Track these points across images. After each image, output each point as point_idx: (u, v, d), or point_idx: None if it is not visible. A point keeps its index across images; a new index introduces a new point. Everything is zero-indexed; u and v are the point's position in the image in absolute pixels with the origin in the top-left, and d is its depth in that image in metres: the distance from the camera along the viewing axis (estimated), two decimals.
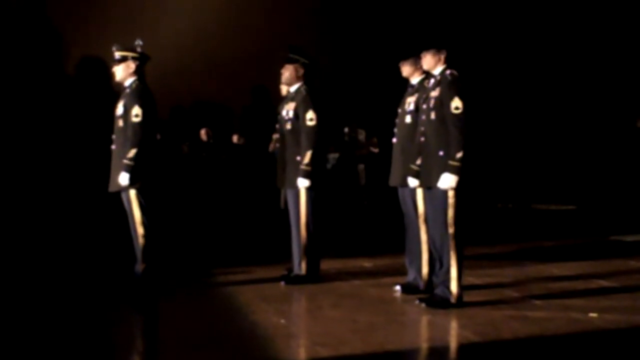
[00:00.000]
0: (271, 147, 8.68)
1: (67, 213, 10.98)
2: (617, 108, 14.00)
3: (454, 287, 6.08)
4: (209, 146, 12.47)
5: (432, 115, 6.08)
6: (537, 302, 6.36)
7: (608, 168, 13.65)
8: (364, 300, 6.56)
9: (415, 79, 6.81)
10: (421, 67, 6.51)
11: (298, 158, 7.15)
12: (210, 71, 12.65)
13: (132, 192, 6.77)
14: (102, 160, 7.25)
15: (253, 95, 12.60)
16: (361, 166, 12.99)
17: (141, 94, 6.86)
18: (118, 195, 6.93)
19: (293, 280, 7.23)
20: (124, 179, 6.68)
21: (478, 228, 9.80)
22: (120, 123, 6.84)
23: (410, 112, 6.70)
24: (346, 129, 13.06)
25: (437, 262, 6.21)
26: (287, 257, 7.46)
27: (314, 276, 7.24)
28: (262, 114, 11.86)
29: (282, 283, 7.22)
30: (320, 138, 7.20)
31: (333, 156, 12.58)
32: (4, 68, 11.89)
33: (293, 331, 5.84)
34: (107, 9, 12.51)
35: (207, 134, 12.54)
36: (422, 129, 6.20)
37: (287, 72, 7.37)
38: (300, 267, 7.23)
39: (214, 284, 7.39)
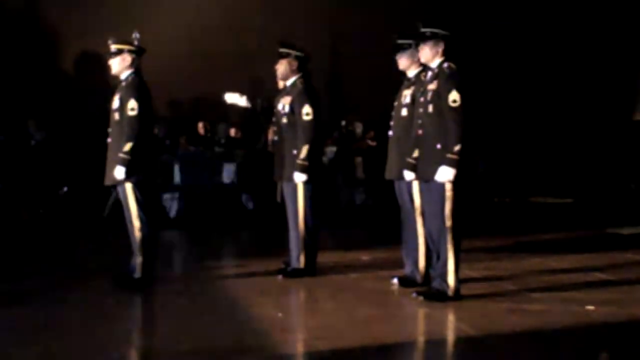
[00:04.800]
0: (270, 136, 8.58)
1: (63, 206, 10.98)
2: (614, 101, 14.00)
3: (451, 280, 6.07)
4: (206, 140, 12.45)
5: (430, 108, 6.07)
6: (535, 295, 6.36)
7: (605, 161, 13.66)
8: (361, 294, 6.56)
9: (411, 72, 6.79)
10: (418, 60, 6.49)
11: (294, 152, 7.13)
12: (208, 64, 12.64)
13: (128, 186, 6.75)
14: (98, 154, 7.24)
15: (251, 89, 12.60)
16: (358, 159, 12.98)
17: (137, 87, 6.84)
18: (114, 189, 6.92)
19: (290, 273, 7.22)
20: (119, 172, 6.66)
21: (475, 221, 9.80)
22: (116, 116, 6.81)
23: (406, 105, 6.68)
24: (343, 122, 13.06)
25: (434, 255, 6.20)
26: (284, 251, 7.45)
27: (311, 269, 7.23)
28: (260, 107, 11.86)
29: (280, 276, 7.21)
30: (316, 132, 7.18)
31: (330, 149, 12.57)
32: (1, 62, 11.88)
33: (290, 324, 5.83)
34: (105, 3, 12.49)
35: (205, 127, 12.53)
36: (420, 122, 6.19)
37: (281, 67, 7.35)
38: (298, 260, 7.23)
39: (211, 278, 7.38)
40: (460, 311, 5.84)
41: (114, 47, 6.91)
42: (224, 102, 7.80)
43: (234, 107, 7.91)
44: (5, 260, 8.24)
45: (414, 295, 6.25)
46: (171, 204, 11.23)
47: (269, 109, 7.63)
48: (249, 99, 7.66)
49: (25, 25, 12.25)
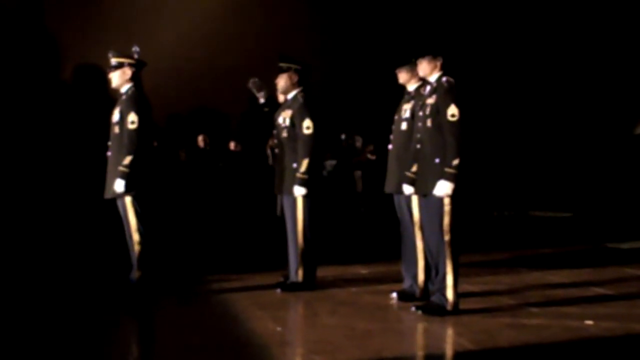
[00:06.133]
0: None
1: (63, 219, 10.96)
2: (614, 116, 14.02)
3: (450, 294, 6.07)
4: (205, 153, 12.47)
5: (428, 123, 6.08)
6: (534, 309, 6.36)
7: (605, 175, 13.66)
8: (360, 308, 6.55)
9: (411, 86, 6.81)
10: (418, 74, 6.51)
11: (294, 165, 7.14)
12: (208, 78, 12.66)
13: (128, 199, 6.77)
14: (98, 167, 7.25)
15: (250, 102, 12.61)
16: (358, 173, 13.00)
17: (137, 100, 6.87)
18: (114, 202, 6.93)
19: (289, 287, 7.22)
20: (119, 185, 6.67)
21: (475, 235, 9.80)
22: (116, 130, 6.84)
23: (406, 119, 6.70)
24: (343, 136, 13.08)
25: (433, 269, 6.20)
26: (283, 264, 7.45)
27: (311, 283, 7.23)
28: (259, 121, 11.88)
29: (278, 290, 7.21)
30: (317, 146, 7.19)
31: (330, 163, 12.58)
32: (1, 74, 11.89)
33: (289, 339, 5.83)
34: (105, 16, 12.52)
35: (204, 140, 12.55)
36: (418, 136, 6.20)
37: (281, 81, 7.38)
38: (297, 274, 7.22)
39: (210, 291, 7.37)
40: (459, 325, 5.83)
41: (114, 61, 6.94)
42: (246, 83, 7.82)
43: (249, 93, 7.92)
44: None
45: (413, 309, 6.24)
46: None
47: (270, 113, 7.66)
48: (265, 96, 7.70)
49: (27, 37, 12.27)
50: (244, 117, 12.77)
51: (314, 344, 5.45)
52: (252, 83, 7.80)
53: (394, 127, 6.89)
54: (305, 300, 6.91)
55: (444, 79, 6.13)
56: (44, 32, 12.52)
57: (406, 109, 6.75)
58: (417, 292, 6.70)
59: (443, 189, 5.92)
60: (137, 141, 6.74)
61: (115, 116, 6.89)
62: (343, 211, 12.60)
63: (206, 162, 12.26)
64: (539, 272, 8.06)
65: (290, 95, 7.39)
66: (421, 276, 6.68)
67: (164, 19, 12.85)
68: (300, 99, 7.28)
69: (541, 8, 14.15)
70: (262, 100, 7.77)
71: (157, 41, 11.47)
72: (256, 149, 12.22)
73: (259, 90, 7.73)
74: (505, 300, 6.69)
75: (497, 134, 13.44)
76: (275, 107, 7.59)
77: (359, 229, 12.14)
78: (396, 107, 6.94)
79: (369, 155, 12.97)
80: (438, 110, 6.02)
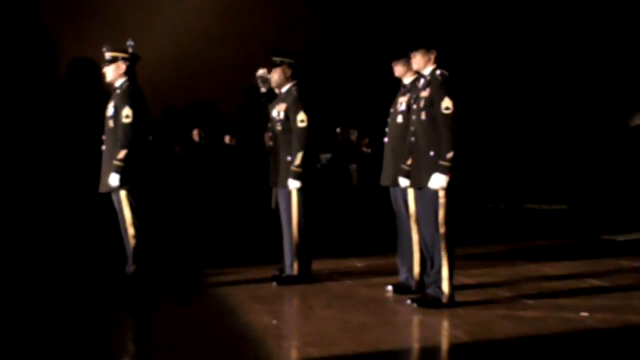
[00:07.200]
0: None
1: (57, 214, 10.95)
2: (610, 108, 14.02)
3: (445, 287, 6.08)
4: (201, 147, 12.44)
5: (423, 116, 6.08)
6: (529, 302, 6.37)
7: (600, 168, 13.67)
8: (356, 301, 6.56)
9: (407, 79, 6.82)
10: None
11: (289, 158, 7.15)
12: (203, 72, 12.63)
13: (123, 193, 6.76)
14: (92, 161, 7.24)
15: (245, 96, 12.58)
16: (353, 166, 12.97)
17: (132, 94, 6.86)
18: (109, 196, 6.92)
19: (285, 280, 7.22)
20: (114, 180, 6.67)
21: (470, 228, 9.80)
22: (111, 124, 6.83)
23: (402, 112, 6.70)
24: (338, 129, 13.06)
25: (429, 262, 6.21)
26: (278, 258, 7.45)
27: (306, 277, 7.24)
28: (255, 115, 11.86)
29: (274, 284, 7.21)
30: (311, 139, 7.20)
31: (325, 156, 12.57)
32: None
33: (285, 332, 5.83)
34: (100, 10, 12.48)
35: (200, 134, 12.52)
36: (413, 129, 6.21)
37: (275, 76, 7.39)
38: (292, 267, 7.23)
39: (205, 285, 7.37)
40: (455, 318, 5.84)
41: (108, 55, 6.93)
42: (255, 73, 7.83)
43: (254, 80, 7.92)
44: None
45: (409, 302, 6.26)
46: None
47: (266, 104, 7.67)
48: (268, 88, 7.71)
49: (22, 32, 12.24)
50: (240, 111, 12.74)
51: (309, 337, 5.45)
52: (259, 76, 7.81)
53: (389, 120, 6.90)
54: (301, 294, 6.92)
55: (438, 72, 6.13)
56: (39, 26, 12.49)
57: (402, 102, 6.76)
58: (413, 285, 6.72)
59: (438, 182, 5.92)
60: (132, 135, 6.73)
61: (110, 110, 6.88)
62: (338, 204, 12.60)
63: (201, 156, 12.24)
64: (535, 265, 8.07)
65: (284, 89, 7.39)
66: (417, 269, 6.69)
67: (160, 13, 12.81)
68: (295, 93, 7.28)
69: (535, 1, 14.14)
70: (263, 90, 7.80)
71: (153, 36, 11.44)
72: (251, 143, 12.20)
73: (264, 82, 7.75)
74: (501, 293, 6.70)
75: (492, 126, 13.43)
76: (272, 99, 7.60)
77: (354, 222, 12.14)
78: (392, 101, 6.94)
79: (364, 149, 12.95)
80: (432, 104, 6.02)
